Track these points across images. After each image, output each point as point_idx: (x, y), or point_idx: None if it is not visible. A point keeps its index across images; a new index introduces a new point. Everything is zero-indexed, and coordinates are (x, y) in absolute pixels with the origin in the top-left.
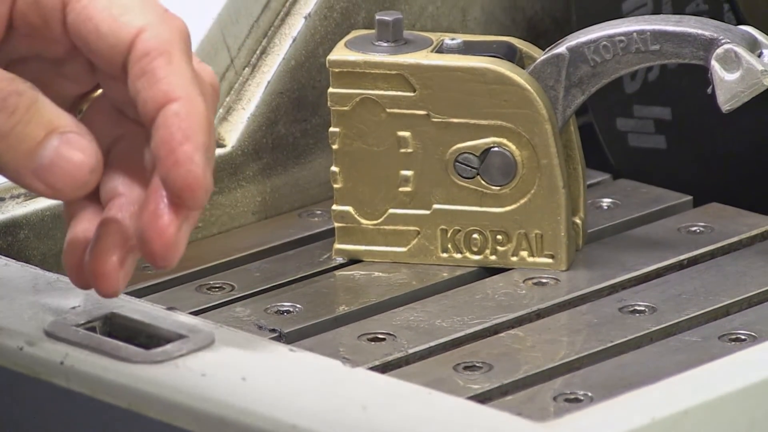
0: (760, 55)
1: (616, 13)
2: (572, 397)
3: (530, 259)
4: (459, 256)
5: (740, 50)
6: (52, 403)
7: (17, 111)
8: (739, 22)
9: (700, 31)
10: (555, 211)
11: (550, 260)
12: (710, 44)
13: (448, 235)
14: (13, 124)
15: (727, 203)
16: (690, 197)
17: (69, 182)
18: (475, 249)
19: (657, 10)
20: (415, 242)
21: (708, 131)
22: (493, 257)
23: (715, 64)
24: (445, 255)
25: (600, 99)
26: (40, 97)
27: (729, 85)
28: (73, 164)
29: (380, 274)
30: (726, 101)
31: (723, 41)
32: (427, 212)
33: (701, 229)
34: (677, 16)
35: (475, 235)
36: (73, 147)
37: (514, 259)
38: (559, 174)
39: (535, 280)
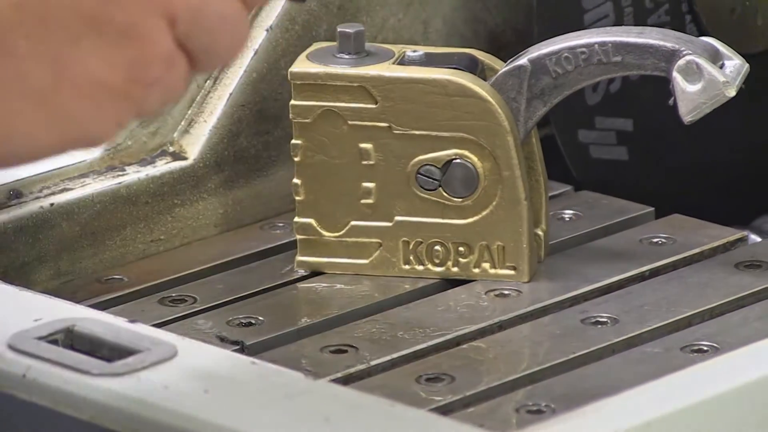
0: (722, 67)
1: (578, 25)
2: (534, 408)
3: (492, 271)
4: (421, 268)
5: (702, 61)
6: (14, 415)
7: None
8: (701, 34)
9: (661, 43)
10: (517, 222)
11: (512, 272)
12: (672, 56)
13: (410, 247)
14: None
15: (689, 214)
16: (652, 208)
17: None
18: (437, 261)
19: (619, 22)
20: (377, 254)
21: (670, 143)
22: (455, 269)
23: (676, 76)
24: (407, 267)
25: (562, 111)
26: None
27: (691, 97)
28: None
29: (342, 286)
30: (688, 112)
31: (685, 53)
32: (389, 224)
33: (663, 240)
34: (639, 28)
35: (437, 247)
36: None
37: (476, 270)
38: (521, 186)
39: (497, 292)
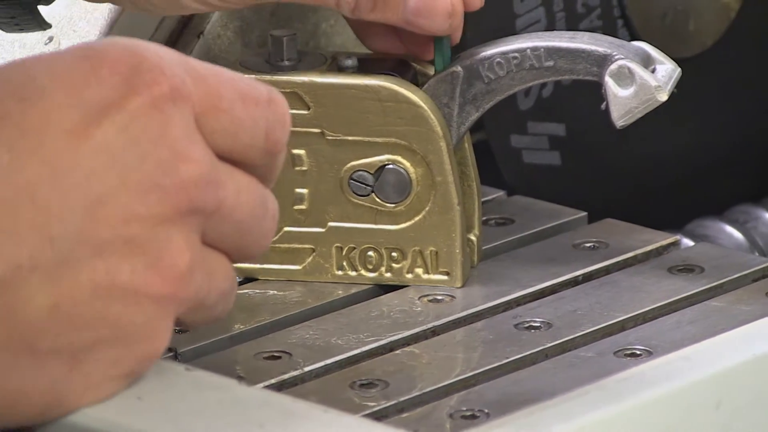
0: (653, 71)
1: (510, 30)
2: (468, 413)
3: (425, 276)
4: (354, 273)
5: (634, 66)
6: None
7: None
8: (633, 38)
9: (593, 47)
10: (450, 228)
11: (445, 277)
12: (604, 60)
13: (344, 252)
14: None
15: (622, 219)
16: (584, 213)
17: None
18: (371, 266)
19: (551, 27)
20: (310, 260)
21: (602, 147)
22: (389, 274)
23: (608, 80)
24: (340, 273)
25: (494, 116)
26: None
27: (623, 101)
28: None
29: (275, 292)
30: (620, 117)
31: (617, 57)
32: (322, 230)
33: (596, 244)
34: (571, 33)
35: (370, 253)
36: None
37: (409, 276)
38: (454, 191)
39: (430, 297)
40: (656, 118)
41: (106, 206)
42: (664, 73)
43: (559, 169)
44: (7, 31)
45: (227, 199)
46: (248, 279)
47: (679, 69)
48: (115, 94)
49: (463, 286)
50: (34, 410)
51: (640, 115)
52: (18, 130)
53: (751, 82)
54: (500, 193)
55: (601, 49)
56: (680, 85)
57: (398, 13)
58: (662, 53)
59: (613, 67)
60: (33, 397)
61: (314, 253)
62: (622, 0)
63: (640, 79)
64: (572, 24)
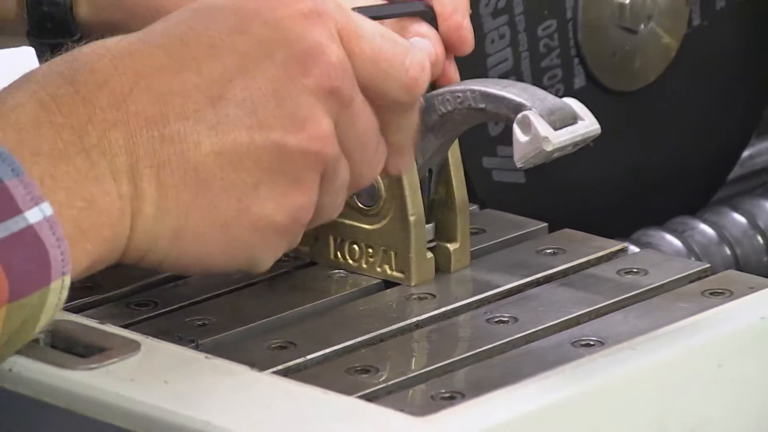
0: (572, 125)
1: (482, 68)
2: (447, 395)
3: (389, 272)
4: (343, 261)
5: (533, 118)
6: (2, 405)
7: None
8: (587, 74)
9: (513, 96)
10: (405, 234)
11: (401, 275)
12: (517, 108)
13: (337, 242)
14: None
15: (577, 229)
16: (545, 224)
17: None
18: (353, 258)
19: (516, 65)
20: (314, 244)
21: (560, 168)
22: (365, 266)
23: (514, 127)
24: (333, 258)
25: (468, 140)
26: None
27: (521, 146)
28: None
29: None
30: (518, 159)
31: (526, 107)
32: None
33: (555, 251)
34: (508, 81)
35: (354, 246)
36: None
37: (379, 270)
38: (409, 203)
39: (415, 296)
40: (606, 142)
41: (257, 77)
42: (572, 129)
43: (524, 187)
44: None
45: (356, 102)
46: (260, 280)
47: (596, 126)
48: (265, 5)
49: (418, 285)
50: (211, 249)
51: (534, 161)
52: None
53: (687, 111)
54: (474, 207)
55: (518, 99)
56: (628, 113)
57: None
58: (587, 112)
59: (520, 116)
60: (210, 238)
61: (318, 240)
62: (577, 41)
63: (534, 129)
64: (535, 62)
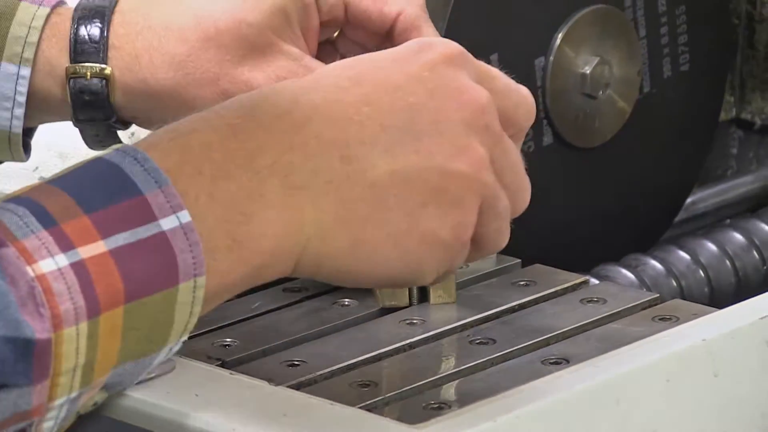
0: None
1: None
2: (437, 406)
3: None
4: None
5: None
6: None
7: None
8: (554, 133)
9: None
10: None
11: (379, 296)
12: None
13: None
14: None
15: (546, 264)
16: (519, 260)
17: None
18: None
19: None
20: None
21: (531, 212)
22: None
23: None
24: None
25: None
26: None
27: None
28: None
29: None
30: None
31: None
32: None
33: (527, 283)
34: None
35: None
36: None
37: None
38: None
39: (408, 321)
40: (571, 190)
41: (421, 111)
42: None
43: None
44: (89, 146)
45: (505, 137)
46: (280, 307)
47: None
48: (423, 53)
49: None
50: (385, 260)
51: None
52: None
53: (639, 164)
54: None
55: None
56: (590, 166)
57: None
58: None
59: None
60: (384, 249)
61: None
62: (546, 105)
63: None
64: None
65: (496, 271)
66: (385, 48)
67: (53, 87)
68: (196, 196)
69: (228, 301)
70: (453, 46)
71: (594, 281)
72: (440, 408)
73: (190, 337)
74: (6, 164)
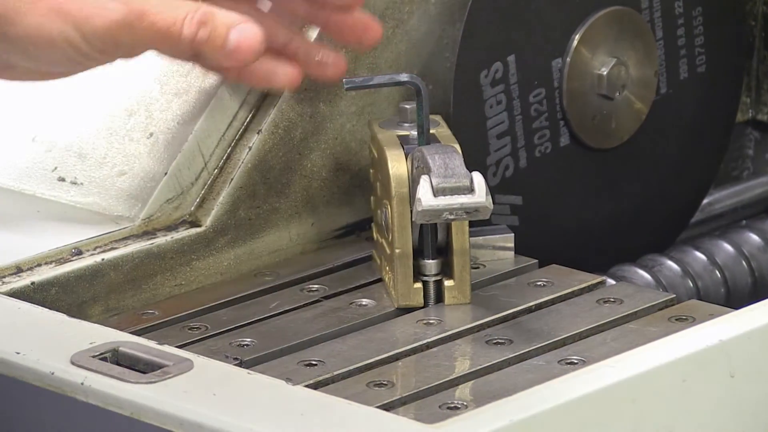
0: (466, 193)
1: (483, 128)
2: (453, 405)
3: (390, 289)
4: (383, 272)
5: (423, 181)
6: (74, 413)
7: (208, 22)
8: (571, 134)
9: (429, 161)
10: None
11: (394, 295)
12: (428, 171)
13: (381, 258)
14: (209, 32)
15: (563, 264)
16: (536, 260)
17: (250, 54)
18: (386, 270)
19: (512, 126)
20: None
21: (549, 213)
22: (386, 280)
23: (418, 187)
24: (378, 270)
25: None
26: (213, 8)
27: (416, 202)
28: (249, 43)
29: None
30: (416, 213)
31: (430, 171)
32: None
33: (545, 283)
34: (450, 148)
35: (384, 261)
36: (246, 33)
37: (391, 284)
38: (396, 240)
39: (425, 321)
40: (588, 191)
41: None
42: (454, 199)
43: (518, 228)
44: None
45: None
46: (295, 307)
47: (483, 200)
48: None
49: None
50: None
51: (421, 217)
52: None
53: (656, 166)
54: None
55: (430, 164)
56: (606, 167)
57: None
58: (483, 188)
59: (420, 178)
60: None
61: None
62: (563, 106)
63: (418, 193)
64: (527, 124)
65: (513, 271)
66: None
67: None
68: None
69: (246, 301)
70: None
71: (610, 281)
72: (456, 408)
73: (208, 336)
74: (26, 165)
